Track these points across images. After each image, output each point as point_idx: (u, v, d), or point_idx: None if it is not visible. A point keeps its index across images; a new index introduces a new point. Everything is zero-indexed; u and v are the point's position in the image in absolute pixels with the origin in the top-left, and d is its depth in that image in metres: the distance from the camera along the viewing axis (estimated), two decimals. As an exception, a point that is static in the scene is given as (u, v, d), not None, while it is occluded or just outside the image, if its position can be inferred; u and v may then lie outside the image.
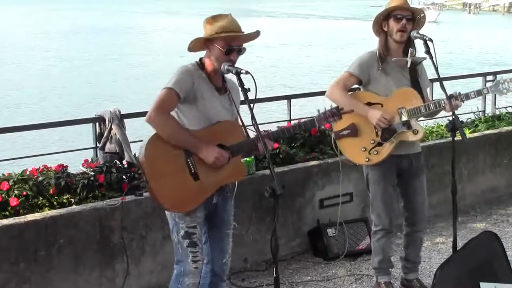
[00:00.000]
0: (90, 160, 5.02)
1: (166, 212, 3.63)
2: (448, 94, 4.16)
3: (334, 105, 3.70)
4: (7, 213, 4.42)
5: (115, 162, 5.03)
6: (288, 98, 6.40)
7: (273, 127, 5.70)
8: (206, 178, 3.51)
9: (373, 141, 4.34)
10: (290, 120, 6.08)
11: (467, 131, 6.68)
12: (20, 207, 4.46)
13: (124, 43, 46.62)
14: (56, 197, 4.61)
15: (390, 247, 4.69)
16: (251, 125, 3.53)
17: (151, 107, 3.45)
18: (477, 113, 7.50)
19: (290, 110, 6.25)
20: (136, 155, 4.36)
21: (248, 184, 5.11)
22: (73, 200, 4.62)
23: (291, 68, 33.22)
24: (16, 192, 4.48)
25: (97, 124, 5.21)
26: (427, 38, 4.08)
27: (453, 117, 4.07)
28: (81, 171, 4.86)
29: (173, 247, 3.68)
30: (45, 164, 4.85)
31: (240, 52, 3.55)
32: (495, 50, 38.46)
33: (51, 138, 15.69)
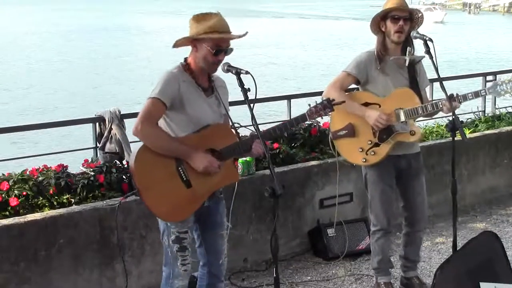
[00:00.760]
0: (90, 160, 5.02)
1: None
2: (449, 94, 4.15)
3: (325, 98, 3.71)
4: (7, 213, 4.42)
5: (115, 162, 5.03)
6: (288, 98, 6.40)
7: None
8: (199, 184, 3.47)
9: (370, 142, 4.34)
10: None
11: (467, 131, 6.68)
12: (20, 207, 4.46)
13: (124, 43, 46.63)
14: (56, 197, 4.61)
15: (389, 247, 4.69)
16: (250, 125, 3.53)
17: (137, 119, 3.40)
18: (477, 113, 7.49)
19: (290, 110, 6.25)
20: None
21: (248, 184, 5.12)
22: (73, 200, 4.62)
23: (290, 68, 33.20)
24: (16, 192, 4.48)
25: (97, 124, 5.21)
26: (427, 38, 4.06)
27: (453, 117, 4.07)
28: (81, 171, 4.86)
29: (163, 249, 3.67)
30: (45, 164, 4.85)
31: (226, 53, 3.51)
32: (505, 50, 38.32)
33: (51, 138, 15.70)
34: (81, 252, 4.48)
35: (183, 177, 3.43)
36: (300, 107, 3.98)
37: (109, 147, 5.10)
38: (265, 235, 5.21)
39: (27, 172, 4.72)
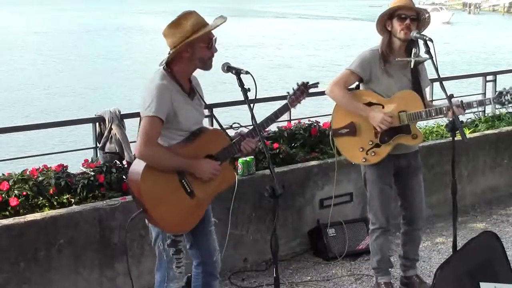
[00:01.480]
0: (90, 160, 5.02)
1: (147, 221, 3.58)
2: (448, 94, 4.15)
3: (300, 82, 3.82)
4: (7, 213, 4.42)
5: (115, 162, 5.03)
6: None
7: (273, 127, 5.73)
8: (201, 192, 3.50)
9: (371, 142, 4.34)
10: (290, 120, 6.07)
11: (467, 131, 6.68)
12: (20, 207, 4.46)
13: (124, 43, 46.62)
14: (56, 197, 4.61)
15: (388, 247, 4.69)
16: (250, 125, 3.54)
17: (138, 141, 3.34)
18: (477, 113, 7.50)
19: (290, 110, 6.23)
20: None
21: (248, 184, 5.12)
22: (73, 200, 4.62)
23: (291, 67, 33.21)
24: (16, 192, 4.48)
25: (97, 124, 5.21)
26: (427, 38, 4.04)
27: (453, 117, 4.07)
28: (81, 171, 4.86)
29: (156, 254, 3.65)
30: (45, 164, 4.85)
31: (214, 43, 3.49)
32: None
33: (51, 138, 15.70)
34: (81, 252, 4.48)
35: (187, 188, 3.45)
36: (300, 107, 3.98)
37: (109, 147, 5.10)
38: (265, 235, 5.21)
39: (27, 172, 4.72)
